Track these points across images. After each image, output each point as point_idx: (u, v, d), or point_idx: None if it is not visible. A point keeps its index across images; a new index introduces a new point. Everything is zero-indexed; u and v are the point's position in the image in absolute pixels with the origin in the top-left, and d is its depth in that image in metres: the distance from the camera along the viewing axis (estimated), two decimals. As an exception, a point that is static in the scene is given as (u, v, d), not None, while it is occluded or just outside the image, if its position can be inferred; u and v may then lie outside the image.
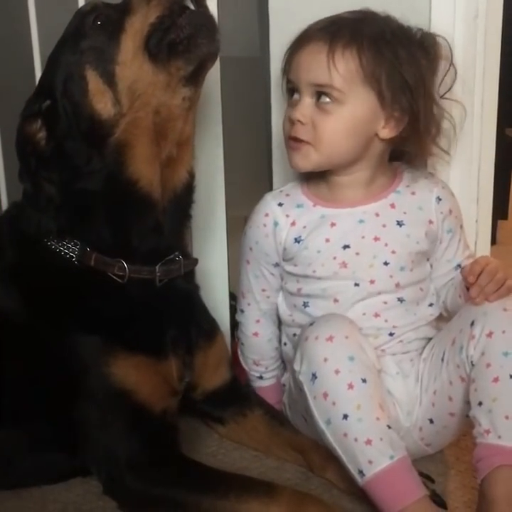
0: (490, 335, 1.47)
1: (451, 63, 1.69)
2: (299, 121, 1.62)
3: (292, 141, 1.66)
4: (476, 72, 1.79)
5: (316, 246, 1.68)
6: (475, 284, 1.53)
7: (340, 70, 1.58)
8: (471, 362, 1.49)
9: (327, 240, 1.67)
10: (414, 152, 1.72)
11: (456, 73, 1.70)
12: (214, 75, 1.78)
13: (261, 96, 1.95)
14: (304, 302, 1.72)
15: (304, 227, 1.70)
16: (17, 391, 1.56)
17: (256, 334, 1.84)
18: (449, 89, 1.70)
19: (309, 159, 1.65)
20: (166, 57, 1.45)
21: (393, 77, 1.59)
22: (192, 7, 1.48)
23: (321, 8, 1.67)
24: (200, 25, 1.46)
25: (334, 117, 1.61)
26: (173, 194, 1.58)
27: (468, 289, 1.56)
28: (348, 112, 1.61)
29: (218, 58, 1.63)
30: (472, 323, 1.50)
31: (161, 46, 1.45)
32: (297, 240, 1.69)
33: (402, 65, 1.60)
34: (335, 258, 1.67)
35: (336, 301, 1.68)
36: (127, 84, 1.47)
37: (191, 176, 1.62)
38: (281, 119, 1.80)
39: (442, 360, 1.59)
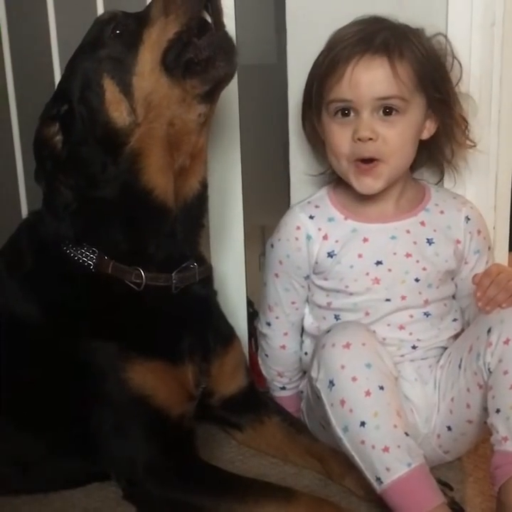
0: (507, 342, 1.47)
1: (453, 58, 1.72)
2: (370, 139, 1.59)
3: (361, 164, 1.63)
4: (493, 79, 1.78)
5: (348, 261, 1.67)
6: (483, 296, 1.53)
7: (404, 79, 1.59)
8: (489, 369, 1.49)
9: (360, 256, 1.67)
10: (442, 151, 1.75)
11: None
12: (231, 82, 1.78)
13: (278, 103, 1.95)
14: (335, 315, 1.71)
15: (337, 241, 1.69)
16: (36, 397, 1.57)
17: (283, 347, 1.83)
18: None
19: (382, 178, 1.64)
20: (182, 75, 1.47)
21: (433, 76, 1.63)
22: (209, 19, 1.49)
23: (337, 15, 1.68)
24: (219, 48, 1.47)
25: (400, 128, 1.61)
26: (185, 203, 1.58)
27: None
28: (409, 120, 1.62)
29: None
30: (489, 331, 1.50)
31: (178, 62, 1.46)
32: (330, 255, 1.69)
33: (431, 60, 1.64)
34: (367, 274, 1.66)
35: (367, 314, 1.68)
36: (143, 95, 1.48)
37: (203, 186, 1.63)
38: (298, 126, 1.81)
39: (459, 367, 1.58)
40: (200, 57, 1.46)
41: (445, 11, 1.75)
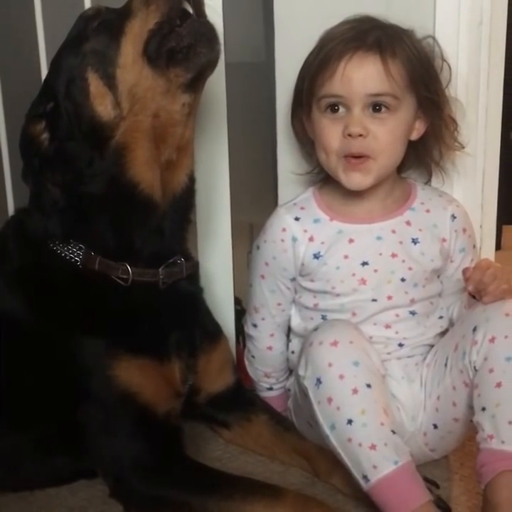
0: (492, 340, 1.47)
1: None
2: (360, 135, 1.59)
3: (352, 159, 1.63)
4: (481, 78, 1.80)
5: (335, 262, 1.67)
6: (475, 290, 1.55)
7: (396, 77, 1.59)
8: (474, 367, 1.50)
9: (346, 257, 1.67)
10: (430, 153, 1.75)
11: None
12: (219, 80, 1.79)
13: (266, 101, 1.95)
14: (322, 316, 1.71)
15: (322, 242, 1.69)
16: (22, 394, 1.57)
17: (270, 348, 1.83)
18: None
19: (371, 175, 1.64)
20: (165, 64, 1.47)
21: (424, 76, 1.63)
22: (191, 10, 1.49)
23: (325, 14, 1.68)
24: (200, 35, 1.47)
25: (390, 125, 1.61)
26: (173, 197, 1.58)
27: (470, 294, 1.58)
28: (400, 118, 1.62)
29: (223, 64, 1.63)
30: (474, 329, 1.51)
31: (160, 52, 1.46)
32: (316, 256, 1.69)
33: (422, 61, 1.64)
34: (354, 275, 1.67)
35: (354, 314, 1.68)
36: (127, 88, 1.48)
37: (191, 180, 1.63)
38: (286, 124, 1.81)
39: (445, 365, 1.59)
40: (182, 45, 1.46)
41: (433, 9, 1.76)
